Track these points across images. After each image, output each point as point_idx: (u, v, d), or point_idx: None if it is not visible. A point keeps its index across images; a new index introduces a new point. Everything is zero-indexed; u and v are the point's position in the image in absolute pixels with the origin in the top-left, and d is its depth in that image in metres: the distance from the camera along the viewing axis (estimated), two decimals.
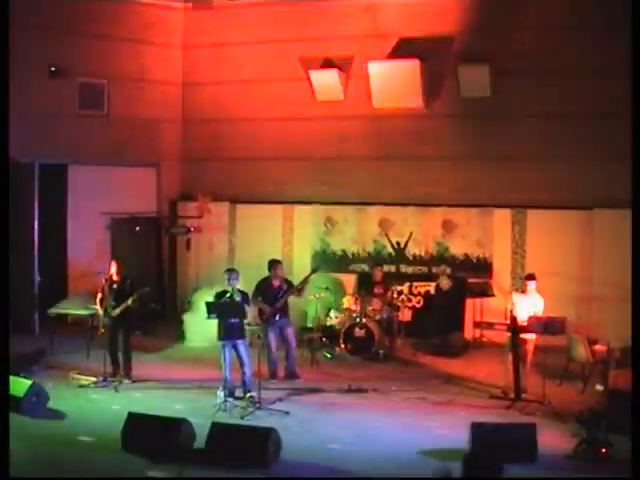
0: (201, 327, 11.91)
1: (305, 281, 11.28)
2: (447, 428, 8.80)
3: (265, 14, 14.81)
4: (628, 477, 6.74)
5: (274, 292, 10.88)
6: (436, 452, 8.05)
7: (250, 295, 10.47)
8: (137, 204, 14.69)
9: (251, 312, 10.50)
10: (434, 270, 13.78)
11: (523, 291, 10.48)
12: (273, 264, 11.08)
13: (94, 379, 10.55)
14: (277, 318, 10.80)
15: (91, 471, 7.56)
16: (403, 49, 13.70)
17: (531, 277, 10.60)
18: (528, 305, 10.17)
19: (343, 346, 12.22)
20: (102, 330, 10.73)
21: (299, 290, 11.12)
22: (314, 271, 11.70)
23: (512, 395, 9.82)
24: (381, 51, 13.88)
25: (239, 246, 14.62)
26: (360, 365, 11.85)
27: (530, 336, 10.10)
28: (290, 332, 11.03)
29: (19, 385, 9.17)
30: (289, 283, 11.11)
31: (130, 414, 8.27)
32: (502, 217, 13.45)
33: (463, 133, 13.70)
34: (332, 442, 8.35)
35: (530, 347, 10.17)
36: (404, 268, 13.92)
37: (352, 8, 14.23)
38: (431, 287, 13.64)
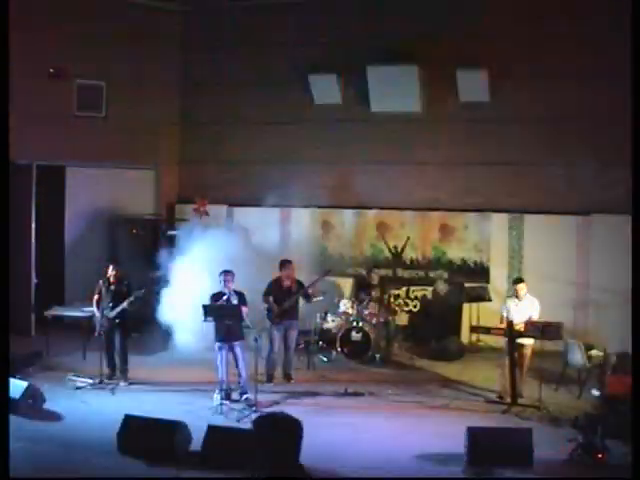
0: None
1: (315, 283, 11.19)
2: (443, 432, 8.80)
3: (264, 17, 14.81)
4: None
5: (284, 292, 10.77)
6: (433, 456, 8.05)
7: (246, 296, 10.40)
8: (135, 206, 14.68)
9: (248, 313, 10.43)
10: (431, 274, 13.80)
11: (517, 296, 10.32)
12: (284, 264, 10.91)
13: (90, 381, 10.53)
14: (284, 319, 10.71)
15: (87, 473, 7.55)
16: (402, 53, 13.71)
17: (519, 281, 10.49)
18: (523, 310, 10.14)
19: (340, 350, 12.22)
20: (99, 332, 10.72)
21: (308, 295, 10.97)
22: (326, 273, 11.52)
23: (508, 400, 9.83)
24: (380, 55, 13.88)
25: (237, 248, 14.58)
26: (357, 369, 11.85)
27: (528, 341, 10.09)
28: (292, 335, 10.96)
29: (16, 387, 9.15)
30: (300, 284, 10.95)
31: (126, 416, 8.26)
32: (499, 222, 13.47)
33: (461, 137, 13.71)
34: (328, 446, 8.32)
35: (527, 352, 10.15)
36: (401, 272, 13.91)
37: (351, 11, 14.23)
38: (428, 291, 13.66)
